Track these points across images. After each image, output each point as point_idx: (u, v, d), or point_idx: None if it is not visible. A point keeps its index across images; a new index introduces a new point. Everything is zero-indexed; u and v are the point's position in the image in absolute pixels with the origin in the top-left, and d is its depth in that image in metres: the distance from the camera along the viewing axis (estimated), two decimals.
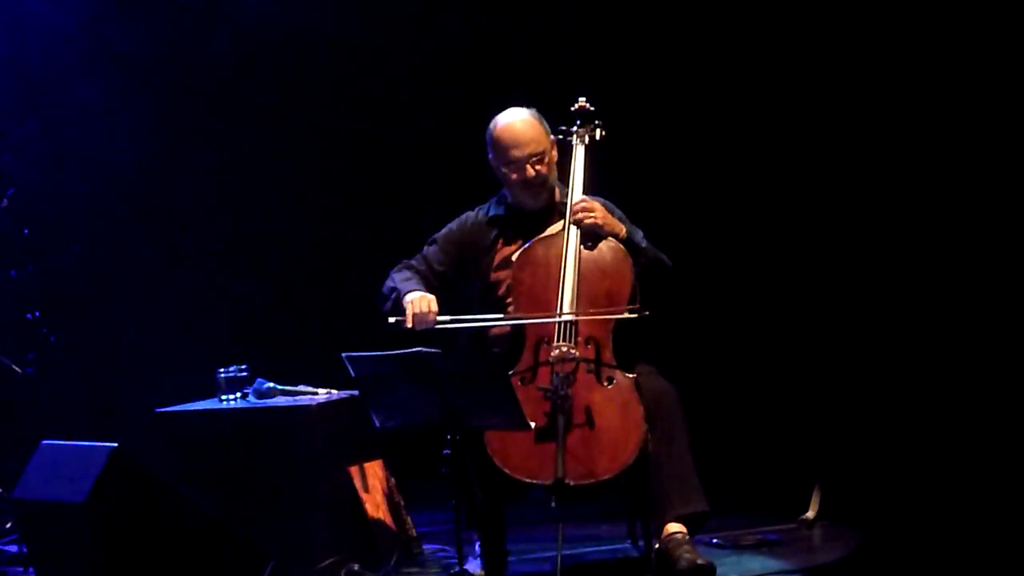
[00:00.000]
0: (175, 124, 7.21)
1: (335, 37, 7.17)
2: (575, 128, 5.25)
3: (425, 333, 4.96)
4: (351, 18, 7.14)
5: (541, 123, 5.18)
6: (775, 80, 6.81)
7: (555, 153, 5.19)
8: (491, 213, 5.28)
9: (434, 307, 4.97)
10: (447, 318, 4.99)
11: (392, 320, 5.00)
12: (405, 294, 5.01)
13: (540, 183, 5.15)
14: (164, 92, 7.18)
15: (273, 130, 7.26)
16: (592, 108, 5.28)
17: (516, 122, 5.16)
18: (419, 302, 4.97)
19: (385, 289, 5.14)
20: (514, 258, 5.14)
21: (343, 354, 4.65)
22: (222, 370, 5.39)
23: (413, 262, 5.26)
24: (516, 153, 5.12)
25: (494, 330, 5.16)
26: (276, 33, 7.07)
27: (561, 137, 5.25)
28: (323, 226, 7.31)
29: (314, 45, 7.18)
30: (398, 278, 5.14)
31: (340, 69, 7.23)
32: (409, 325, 4.94)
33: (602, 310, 4.96)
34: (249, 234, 7.31)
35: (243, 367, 5.41)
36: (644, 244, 5.13)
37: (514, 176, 5.15)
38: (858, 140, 6.69)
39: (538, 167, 5.12)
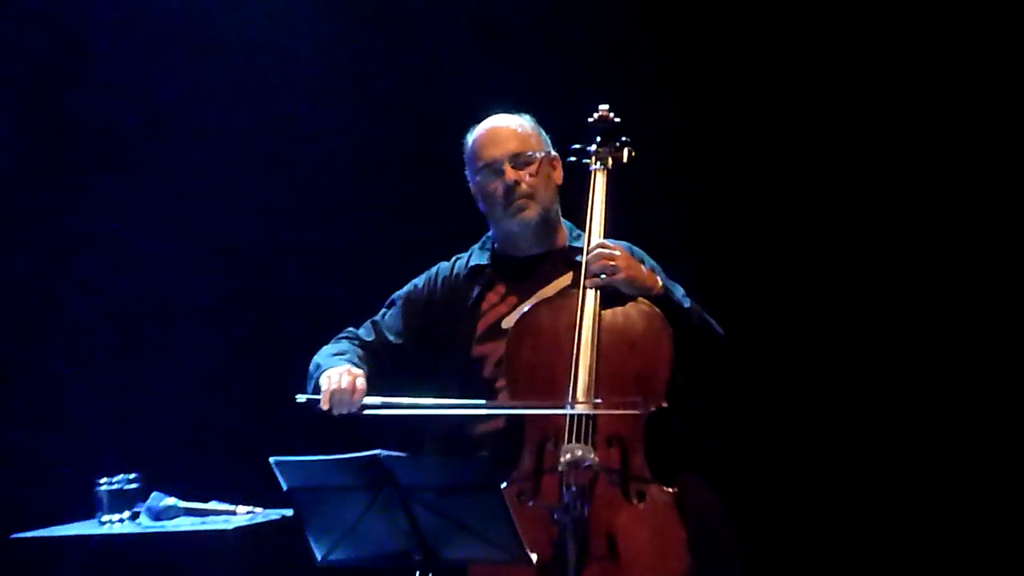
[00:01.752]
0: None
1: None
2: (594, 147, 4.54)
3: (381, 427, 4.31)
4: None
5: (534, 128, 4.66)
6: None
7: (557, 174, 4.62)
8: (472, 263, 4.69)
9: (360, 384, 4.36)
10: (378, 400, 4.34)
11: (302, 399, 4.43)
12: (325, 370, 4.46)
13: (526, 196, 4.55)
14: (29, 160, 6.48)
15: (177, 184, 6.43)
16: (618, 120, 4.56)
17: (495, 120, 4.67)
18: (339, 376, 4.36)
19: (311, 367, 4.57)
20: (506, 324, 4.49)
21: (272, 459, 3.98)
22: (104, 480, 4.82)
23: (360, 331, 4.68)
24: (492, 152, 4.57)
25: (481, 426, 4.50)
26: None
27: (574, 159, 4.58)
28: (252, 282, 6.43)
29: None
30: (327, 352, 4.58)
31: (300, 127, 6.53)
32: (324, 407, 4.33)
33: (626, 400, 4.25)
34: (147, 297, 6.50)
35: (132, 477, 4.84)
36: (688, 304, 4.47)
37: (491, 187, 4.56)
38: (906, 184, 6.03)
39: (521, 172, 4.55)
